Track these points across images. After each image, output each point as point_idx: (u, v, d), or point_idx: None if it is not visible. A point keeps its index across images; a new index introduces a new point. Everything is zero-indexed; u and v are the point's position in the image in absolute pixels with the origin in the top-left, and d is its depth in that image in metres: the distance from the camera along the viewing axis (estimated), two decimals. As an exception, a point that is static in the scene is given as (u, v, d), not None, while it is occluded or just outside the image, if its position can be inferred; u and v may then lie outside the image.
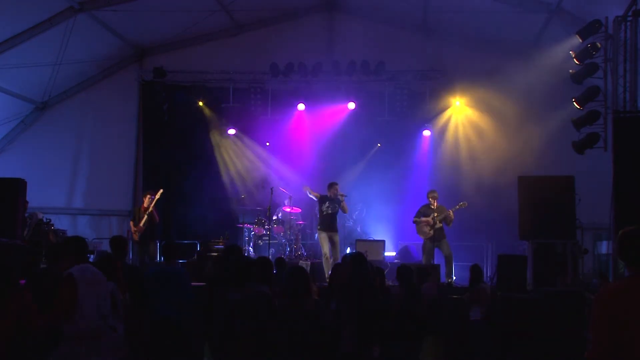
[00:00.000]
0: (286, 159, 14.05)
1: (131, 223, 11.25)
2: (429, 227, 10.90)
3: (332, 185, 10.93)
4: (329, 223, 10.83)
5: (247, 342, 4.77)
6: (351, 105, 13.74)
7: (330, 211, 10.82)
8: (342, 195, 10.80)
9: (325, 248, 10.70)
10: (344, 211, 11.06)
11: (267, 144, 14.05)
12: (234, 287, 5.15)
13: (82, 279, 4.68)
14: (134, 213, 11.45)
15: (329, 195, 10.85)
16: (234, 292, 5.06)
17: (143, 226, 10.94)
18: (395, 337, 5.80)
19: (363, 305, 4.95)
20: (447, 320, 7.56)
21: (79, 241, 5.11)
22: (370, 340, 4.95)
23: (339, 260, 9.25)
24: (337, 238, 10.84)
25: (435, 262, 10.76)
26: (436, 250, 10.96)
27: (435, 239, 10.88)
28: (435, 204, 11.01)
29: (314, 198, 11.11)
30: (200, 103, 13.96)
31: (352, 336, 4.87)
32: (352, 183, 13.65)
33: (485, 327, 7.72)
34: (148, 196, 11.22)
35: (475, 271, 8.16)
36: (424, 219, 10.99)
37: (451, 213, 10.74)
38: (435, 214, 10.87)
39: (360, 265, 5.20)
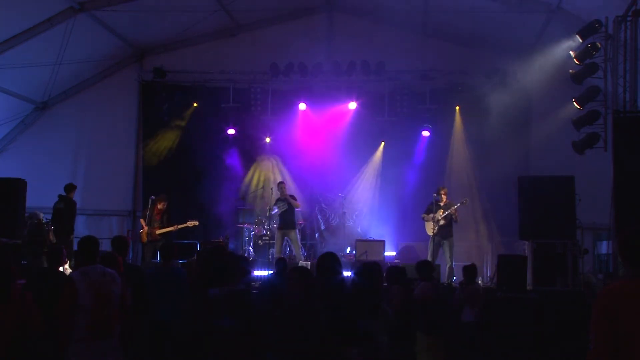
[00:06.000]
0: (286, 158, 14.06)
1: (142, 221, 11.37)
2: (432, 225, 10.91)
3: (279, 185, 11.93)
4: (282, 221, 11.64)
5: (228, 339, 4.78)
6: (352, 105, 13.74)
7: (283, 209, 11.61)
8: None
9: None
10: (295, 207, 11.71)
11: (268, 140, 14.04)
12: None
13: (84, 282, 4.68)
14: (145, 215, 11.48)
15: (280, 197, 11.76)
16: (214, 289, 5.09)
17: (159, 235, 11.08)
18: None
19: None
20: (443, 321, 7.53)
21: (87, 242, 5.07)
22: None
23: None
24: (294, 235, 11.64)
25: (437, 262, 10.76)
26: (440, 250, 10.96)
27: (440, 237, 10.86)
28: (445, 199, 11.01)
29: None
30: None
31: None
32: (352, 183, 13.67)
33: (478, 330, 7.57)
34: (162, 203, 11.28)
35: (470, 271, 7.88)
36: (430, 215, 11.00)
37: (454, 210, 10.75)
38: (441, 211, 10.85)
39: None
